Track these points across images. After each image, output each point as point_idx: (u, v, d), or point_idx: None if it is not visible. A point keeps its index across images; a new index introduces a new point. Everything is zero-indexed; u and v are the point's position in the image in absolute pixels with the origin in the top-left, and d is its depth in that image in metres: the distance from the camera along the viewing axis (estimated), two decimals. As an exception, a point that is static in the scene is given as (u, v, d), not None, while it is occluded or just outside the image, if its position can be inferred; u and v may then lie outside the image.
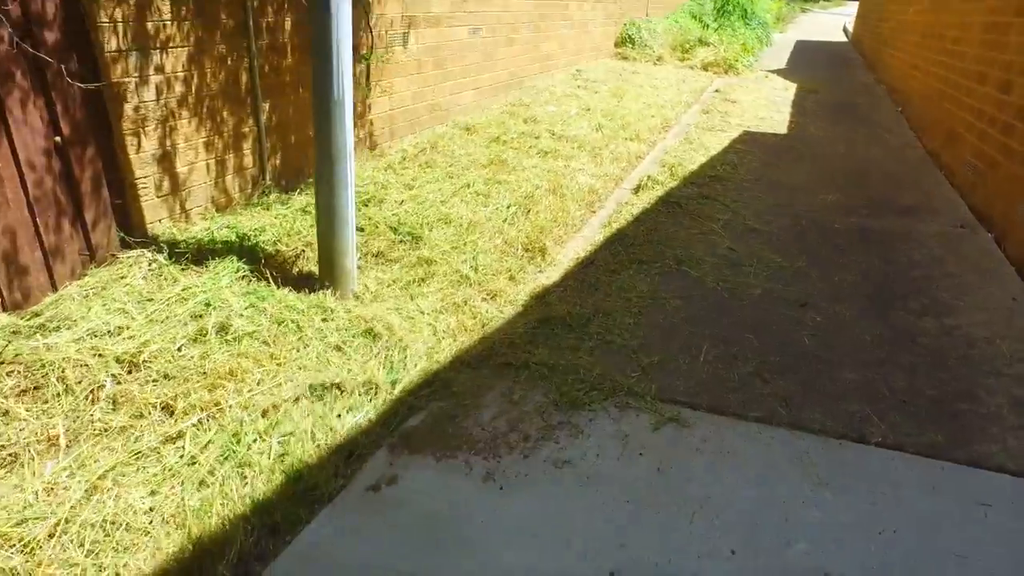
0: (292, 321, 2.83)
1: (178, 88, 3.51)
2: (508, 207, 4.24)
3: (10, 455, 2.17)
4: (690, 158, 5.83)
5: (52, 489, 2.00)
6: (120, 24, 3.15)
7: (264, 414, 2.37)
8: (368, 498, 2.13)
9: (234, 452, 2.20)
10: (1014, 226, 3.91)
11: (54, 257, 3.03)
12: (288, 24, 4.18)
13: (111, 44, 3.13)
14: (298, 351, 2.70)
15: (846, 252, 3.96)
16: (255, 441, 2.25)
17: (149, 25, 3.29)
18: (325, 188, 3.16)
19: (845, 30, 20.33)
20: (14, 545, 1.77)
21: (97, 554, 1.80)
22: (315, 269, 3.41)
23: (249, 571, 1.83)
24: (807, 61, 13.49)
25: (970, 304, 3.32)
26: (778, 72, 11.61)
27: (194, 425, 2.28)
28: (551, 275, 3.61)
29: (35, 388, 2.42)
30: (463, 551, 1.92)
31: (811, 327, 3.10)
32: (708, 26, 13.42)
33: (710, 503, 2.08)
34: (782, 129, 7.26)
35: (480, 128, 6.04)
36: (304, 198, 4.15)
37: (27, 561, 1.74)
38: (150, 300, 2.91)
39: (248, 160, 4.06)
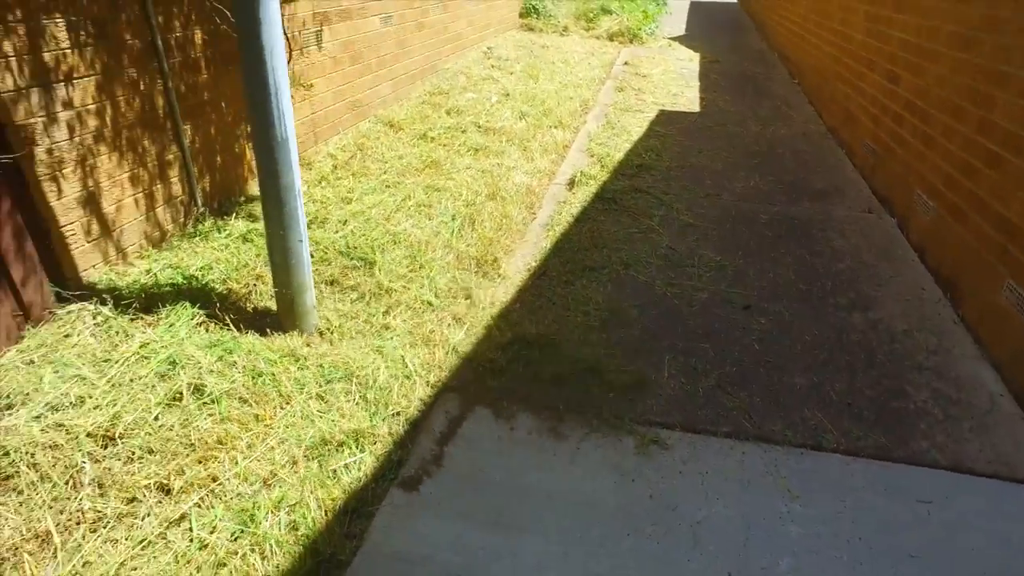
0: (268, 374, 2.79)
1: (92, 122, 3.27)
2: (453, 219, 4.25)
3: (-5, 560, 2.07)
4: (615, 145, 6.00)
5: (61, 601, 1.94)
6: (13, 59, 2.86)
7: (265, 483, 2.35)
8: (383, 558, 2.18)
9: (246, 530, 2.19)
10: (913, 213, 4.33)
11: (-15, 324, 2.82)
12: (198, 38, 3.93)
13: (6, 82, 2.85)
14: (281, 408, 2.66)
15: (776, 244, 4.26)
16: (266, 516, 2.24)
17: (47, 56, 3.01)
18: (276, 229, 3.07)
19: (733, -11, 21.01)
20: None
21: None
22: (270, 304, 3.33)
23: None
24: (703, 25, 13.93)
25: (887, 295, 3.69)
26: (679, 39, 11.95)
27: (196, 504, 2.24)
28: (507, 290, 3.69)
29: (5, 478, 2.29)
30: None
31: (757, 331, 3.36)
32: (609, -8, 13.52)
33: (701, 527, 2.28)
34: (695, 107, 7.55)
35: (405, 124, 5.94)
36: (241, 223, 3.99)
37: None
38: (107, 361, 2.77)
39: (177, 188, 3.85)
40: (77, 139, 3.18)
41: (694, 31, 13.10)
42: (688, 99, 7.84)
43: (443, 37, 8.18)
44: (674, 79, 8.77)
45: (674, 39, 11.95)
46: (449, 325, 3.33)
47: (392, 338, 3.18)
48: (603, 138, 6.20)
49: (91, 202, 3.28)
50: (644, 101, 7.61)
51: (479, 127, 6.01)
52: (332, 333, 3.20)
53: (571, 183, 5.16)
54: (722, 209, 4.79)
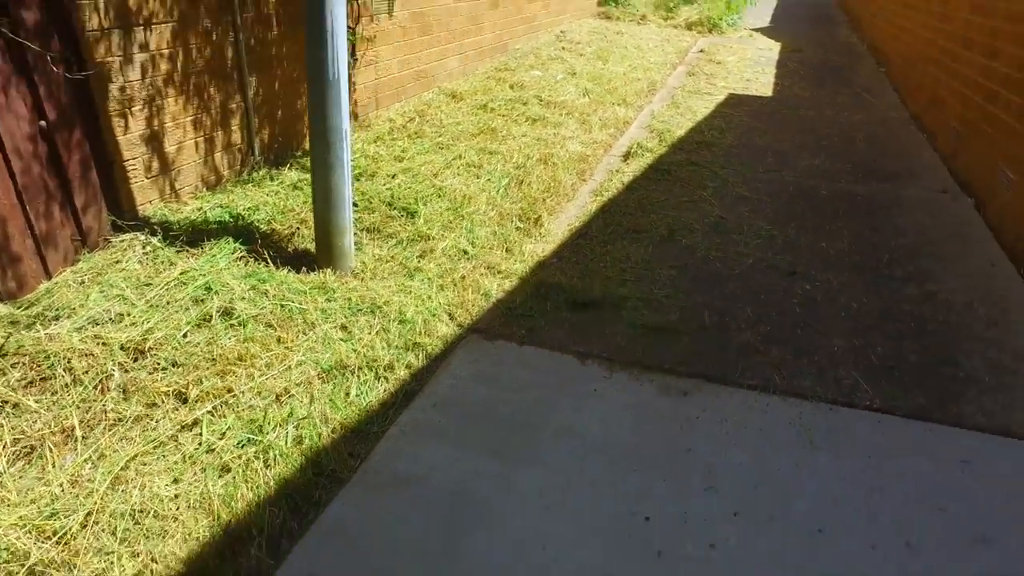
0: (296, 303, 2.86)
1: (163, 66, 3.45)
2: (501, 179, 4.25)
3: (26, 447, 2.20)
4: (678, 123, 5.85)
5: (77, 481, 2.04)
6: (101, 1, 3.07)
7: (278, 399, 2.41)
8: (383, 477, 2.19)
9: (253, 439, 2.25)
10: (995, 193, 4.00)
11: (46, 244, 3.00)
12: (272, -6, 4.09)
13: (93, 23, 3.05)
14: (304, 333, 2.73)
15: (833, 219, 4.05)
16: (274, 428, 2.30)
17: (131, 1, 3.21)
18: (321, 169, 3.15)
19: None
20: (49, 537, 1.83)
21: (130, 542, 1.85)
22: (311, 247, 3.42)
23: (279, 549, 1.91)
24: (791, 19, 13.42)
25: (951, 270, 3.43)
26: (762, 31, 11.55)
27: (209, 412, 2.32)
28: (546, 246, 3.65)
29: (42, 379, 2.43)
30: (483, 526, 1.99)
31: (800, 296, 3.19)
32: (692, -17, 13.20)
33: (713, 470, 2.18)
34: (767, 92, 7.27)
35: (467, 95, 5.99)
36: (294, 173, 4.13)
37: (63, 551, 1.79)
38: (148, 285, 2.92)
39: (236, 137, 4.02)
40: (148, 80, 3.36)
41: (780, 23, 12.63)
42: (761, 84, 7.57)
43: (517, 18, 8.21)
44: (749, 66, 8.48)
45: (757, 30, 11.56)
46: (482, 272, 3.33)
47: (423, 280, 3.20)
48: (666, 116, 6.06)
49: (154, 140, 3.46)
50: (715, 85, 7.39)
51: (540, 100, 5.99)
52: (366, 274, 3.25)
53: (626, 155, 5.06)
54: (781, 184, 4.58)
